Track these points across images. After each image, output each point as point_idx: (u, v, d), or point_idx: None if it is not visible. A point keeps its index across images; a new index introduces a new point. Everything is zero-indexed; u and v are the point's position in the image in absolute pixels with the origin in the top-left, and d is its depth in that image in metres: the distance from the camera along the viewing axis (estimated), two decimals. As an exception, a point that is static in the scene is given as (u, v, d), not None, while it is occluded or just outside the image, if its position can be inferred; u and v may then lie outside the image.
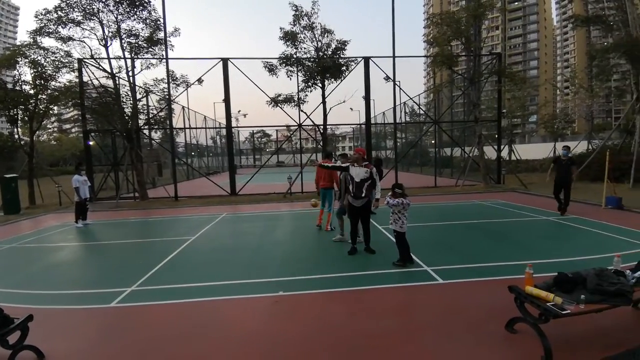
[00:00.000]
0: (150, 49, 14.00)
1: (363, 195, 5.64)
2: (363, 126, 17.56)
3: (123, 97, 14.09)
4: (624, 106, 22.26)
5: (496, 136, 17.51)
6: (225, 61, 14.63)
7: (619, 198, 9.47)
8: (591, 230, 7.21)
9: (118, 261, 6.32)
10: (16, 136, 15.54)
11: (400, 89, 19.89)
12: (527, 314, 3.07)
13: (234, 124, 34.71)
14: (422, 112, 24.45)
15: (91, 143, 16.10)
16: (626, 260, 4.29)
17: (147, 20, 13.74)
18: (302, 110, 15.10)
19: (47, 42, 12.63)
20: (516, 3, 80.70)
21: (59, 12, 12.60)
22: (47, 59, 13.24)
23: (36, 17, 12.63)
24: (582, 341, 3.13)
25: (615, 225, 7.46)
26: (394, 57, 15.59)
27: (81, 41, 13.24)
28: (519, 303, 3.12)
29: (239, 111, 40.42)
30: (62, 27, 12.82)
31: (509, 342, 3.17)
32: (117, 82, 13.98)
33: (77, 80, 13.97)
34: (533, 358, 2.86)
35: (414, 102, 20.08)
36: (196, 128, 27.94)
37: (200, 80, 14.88)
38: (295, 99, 14.95)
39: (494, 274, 4.84)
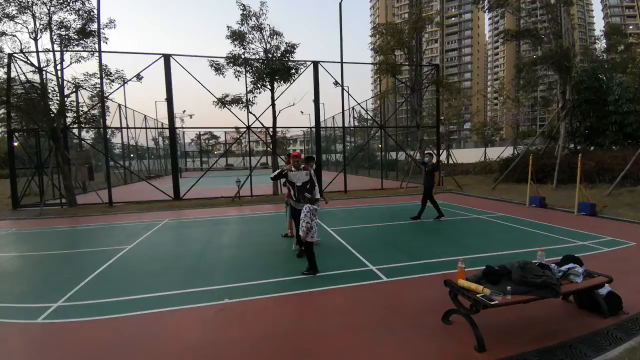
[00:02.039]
0: (81, 41, 12.84)
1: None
2: (313, 129, 17.70)
3: (49, 93, 12.72)
4: (549, 114, 25.02)
5: (436, 141, 18.72)
6: (167, 58, 13.84)
7: (542, 197, 10.52)
8: (517, 227, 7.98)
9: (43, 274, 5.67)
10: None
11: (348, 94, 20.41)
12: (460, 305, 3.29)
13: (178, 124, 33.01)
14: (369, 117, 25.35)
15: (16, 144, 14.26)
16: (550, 254, 4.81)
17: (80, 11, 12.62)
18: (251, 112, 14.82)
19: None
20: (453, 19, 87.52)
21: None
22: None
23: None
24: (514, 331, 3.37)
25: (539, 222, 8.31)
26: (341, 62, 16.03)
27: (13, 35, 12.09)
28: (453, 295, 3.34)
29: (184, 111, 38.30)
30: None
31: (446, 332, 3.38)
32: (45, 77, 12.65)
33: (5, 76, 12.50)
34: (467, 347, 3.08)
35: (362, 107, 20.76)
36: (134, 128, 26.02)
37: (139, 77, 13.85)
38: (244, 100, 14.62)
39: (433, 270, 5.14)
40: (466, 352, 3.03)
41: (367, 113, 25.27)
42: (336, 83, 16.01)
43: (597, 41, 28.85)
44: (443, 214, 9.10)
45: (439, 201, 9.50)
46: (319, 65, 15.44)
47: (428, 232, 7.92)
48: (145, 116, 28.84)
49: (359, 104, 19.22)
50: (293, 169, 5.51)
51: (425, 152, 9.47)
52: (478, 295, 3.08)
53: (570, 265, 3.61)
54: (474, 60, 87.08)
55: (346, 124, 21.29)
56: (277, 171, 5.79)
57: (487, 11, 18.07)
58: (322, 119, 19.43)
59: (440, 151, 18.47)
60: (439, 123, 18.71)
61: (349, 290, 4.58)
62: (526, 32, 16.99)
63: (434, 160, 9.12)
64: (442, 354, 3.08)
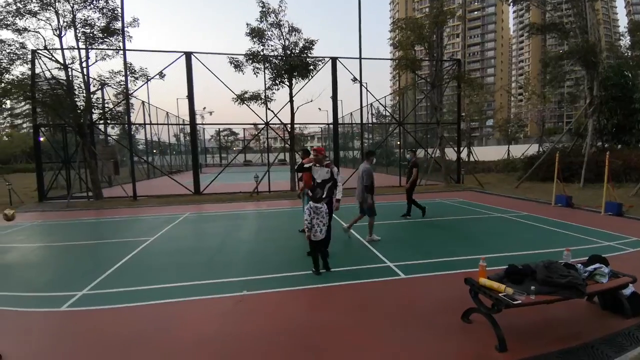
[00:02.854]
0: (106, 40, 13.26)
1: (324, 196, 5.60)
2: (331, 126, 17.65)
3: (75, 90, 13.23)
4: (576, 111, 23.97)
5: (456, 138, 18.32)
6: (188, 55, 14.12)
7: (569, 197, 10.13)
8: (541, 227, 7.71)
9: (69, 264, 5.91)
10: None
11: (367, 90, 20.25)
12: (480, 304, 3.21)
13: (199, 121, 33.61)
14: (387, 113, 25.04)
15: (42, 139, 14.92)
16: (575, 255, 4.63)
17: (104, 10, 13.02)
18: (269, 109, 14.92)
19: (3, 34, 12.54)
20: (475, 13, 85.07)
21: (18, 4, 12.05)
22: (3, 52, 12.44)
23: None
24: (537, 332, 3.28)
25: (565, 222, 8.00)
26: (360, 58, 15.85)
27: (36, 32, 12.58)
28: (474, 294, 3.26)
29: (204, 108, 39.08)
30: (19, 18, 12.22)
31: (465, 331, 3.31)
32: (70, 74, 13.14)
33: (29, 72, 13.06)
34: (488, 347, 3.00)
35: (380, 103, 20.57)
36: (157, 124, 26.73)
37: (161, 75, 14.20)
38: (262, 97, 14.73)
39: (452, 268, 5.04)
40: (486, 352, 2.96)
41: (386, 109, 24.99)
42: (354, 79, 15.89)
43: (621, 37, 27.39)
44: (410, 214, 9.07)
45: (458, 199, 9.32)
46: (337, 61, 15.37)
47: (447, 230, 7.77)
48: (167, 113, 29.59)
49: (377, 100, 19.08)
50: (317, 164, 5.45)
51: (409, 150, 9.75)
52: (500, 295, 2.99)
53: (597, 265, 3.48)
54: (497, 55, 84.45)
55: (364, 121, 21.12)
56: (300, 163, 5.78)
57: (511, 4, 17.45)
58: (340, 115, 19.36)
59: (461, 148, 18.04)
60: (459, 120, 18.27)
61: (365, 286, 4.55)
62: (552, 26, 16.35)
63: (415, 158, 9.53)
64: (461, 353, 3.01)
